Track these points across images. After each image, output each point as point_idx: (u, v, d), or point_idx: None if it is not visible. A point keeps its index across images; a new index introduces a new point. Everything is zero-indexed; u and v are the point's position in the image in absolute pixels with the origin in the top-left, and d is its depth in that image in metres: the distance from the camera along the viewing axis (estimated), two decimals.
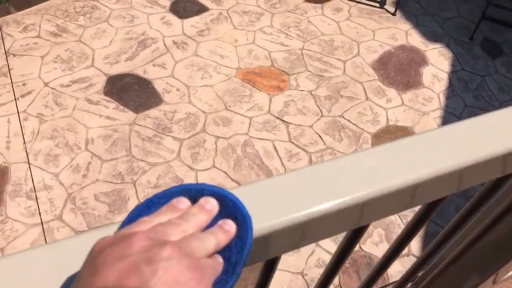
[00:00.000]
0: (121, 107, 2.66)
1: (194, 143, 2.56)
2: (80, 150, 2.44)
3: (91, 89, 2.71)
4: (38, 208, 2.22)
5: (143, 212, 0.42)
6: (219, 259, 0.41)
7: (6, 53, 2.79)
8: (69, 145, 2.45)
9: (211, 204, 0.43)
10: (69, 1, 3.15)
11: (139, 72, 2.85)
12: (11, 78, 2.68)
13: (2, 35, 2.87)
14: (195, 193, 0.44)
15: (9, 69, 2.72)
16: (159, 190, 2.21)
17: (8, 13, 2.99)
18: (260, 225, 0.43)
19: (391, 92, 2.95)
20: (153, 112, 2.67)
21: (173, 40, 3.06)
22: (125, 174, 2.39)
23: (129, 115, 2.63)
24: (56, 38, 2.93)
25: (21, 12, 3.02)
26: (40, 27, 2.96)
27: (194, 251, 0.37)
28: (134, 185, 2.35)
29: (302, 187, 0.46)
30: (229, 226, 0.42)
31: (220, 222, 0.42)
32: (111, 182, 2.35)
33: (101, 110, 2.63)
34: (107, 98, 2.68)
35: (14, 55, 2.79)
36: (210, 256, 0.39)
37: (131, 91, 2.74)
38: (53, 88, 2.67)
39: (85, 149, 2.45)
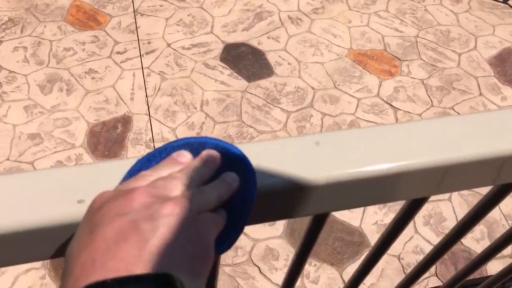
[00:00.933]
0: (235, 74, 2.77)
1: (300, 117, 2.62)
2: (196, 110, 2.59)
3: (209, 54, 2.84)
4: None
5: (144, 167, 0.40)
6: (222, 213, 0.40)
7: (134, 12, 2.99)
8: (186, 103, 2.61)
9: (213, 157, 0.41)
10: None
11: (254, 43, 2.94)
12: (137, 36, 2.87)
13: None
14: (197, 146, 0.42)
15: (136, 27, 2.92)
16: None
17: None
18: (316, 175, 0.42)
19: (507, 91, 2.84)
20: (264, 82, 2.75)
21: (288, 15, 3.12)
22: (235, 137, 2.51)
23: (242, 82, 2.74)
24: (180, 2, 3.09)
25: None
26: None
27: (196, 206, 0.36)
28: None
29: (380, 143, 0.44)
30: (232, 179, 0.40)
31: (223, 175, 0.40)
32: None
33: (216, 75, 2.75)
34: (222, 64, 2.81)
35: (142, 15, 2.98)
36: (213, 210, 0.39)
37: (245, 60, 2.85)
38: (174, 49, 2.84)
39: (200, 109, 2.59)
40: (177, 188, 0.37)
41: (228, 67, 2.80)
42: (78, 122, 2.47)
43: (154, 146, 2.43)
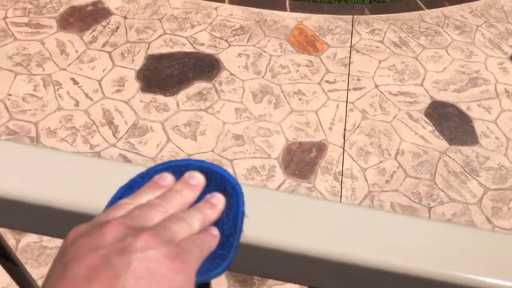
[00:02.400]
0: (437, 133, 2.68)
1: (499, 197, 2.44)
2: (389, 157, 2.56)
3: (414, 106, 2.80)
4: (341, 192, 2.41)
5: (125, 194, 0.39)
6: (214, 232, 0.38)
7: (351, 47, 3.07)
8: (381, 148, 2.59)
9: (196, 179, 0.39)
10: (417, 20, 3.29)
11: (463, 106, 2.83)
12: (349, 70, 2.94)
13: (352, 31, 3.16)
14: (180, 169, 0.40)
15: (349, 62, 2.99)
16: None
17: (362, 13, 3.28)
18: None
19: None
20: (466, 150, 2.63)
21: (505, 88, 2.95)
22: (424, 197, 2.42)
23: (442, 143, 2.64)
24: (395, 48, 3.11)
25: (373, 16, 3.28)
26: (385, 34, 3.17)
27: (175, 235, 0.34)
28: (429, 211, 2.37)
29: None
30: (217, 199, 0.39)
31: (207, 196, 0.39)
32: (409, 198, 2.41)
33: (418, 128, 2.70)
34: (426, 119, 2.74)
35: (357, 51, 3.05)
36: (201, 231, 0.37)
37: (450, 121, 2.75)
38: (381, 92, 2.85)
39: (394, 157, 2.56)
40: (155, 216, 0.35)
41: (431, 124, 2.72)
42: (278, 136, 2.60)
43: (341, 180, 2.45)
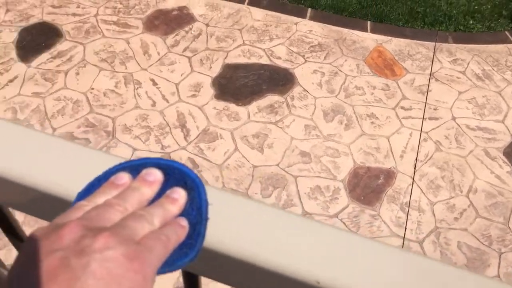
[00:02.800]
0: None
1: None
2: (461, 194, 2.45)
3: (493, 143, 2.66)
4: (406, 224, 2.33)
5: (83, 198, 0.38)
6: (182, 222, 0.38)
7: (430, 75, 2.98)
8: (453, 183, 2.49)
9: (153, 175, 0.39)
10: (504, 53, 3.14)
11: None
12: (426, 98, 2.85)
13: (433, 58, 3.07)
14: (138, 168, 0.40)
15: (428, 89, 2.90)
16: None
17: (446, 41, 3.17)
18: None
19: None
20: None
21: None
22: (495, 240, 2.29)
23: None
24: (478, 81, 2.98)
25: (456, 45, 3.16)
26: (468, 65, 3.05)
27: (135, 232, 0.33)
28: (499, 257, 2.24)
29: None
30: (177, 194, 0.39)
31: (167, 191, 0.39)
32: (478, 240, 2.29)
33: (494, 167, 2.56)
34: (504, 158, 2.60)
35: (436, 80, 2.95)
36: (170, 223, 0.37)
37: None
38: (458, 125, 2.74)
39: (465, 194, 2.44)
40: (114, 216, 0.35)
41: (509, 164, 2.58)
42: (346, 158, 2.56)
43: (408, 212, 2.37)
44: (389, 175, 2.51)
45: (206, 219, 0.39)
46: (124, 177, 0.39)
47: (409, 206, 2.39)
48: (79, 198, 0.38)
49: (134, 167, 0.40)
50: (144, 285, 0.31)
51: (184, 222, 0.38)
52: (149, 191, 0.39)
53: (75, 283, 0.29)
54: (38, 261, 0.30)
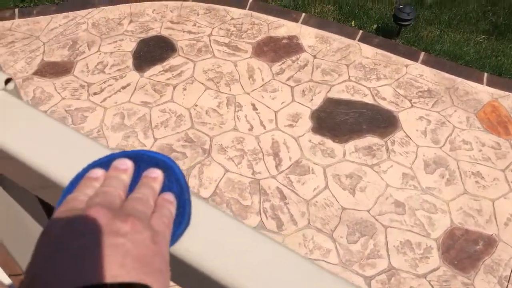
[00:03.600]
0: None
1: None
2: None
3: None
4: None
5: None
6: (170, 198, 0.40)
7: None
8: None
9: (124, 163, 0.41)
10: None
11: None
12: None
13: None
14: (108, 163, 0.42)
15: None
16: None
17: None
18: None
19: None
20: None
21: None
22: None
23: None
24: None
25: None
26: None
27: (147, 216, 0.37)
28: None
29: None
30: (154, 172, 0.41)
31: (144, 173, 0.41)
32: None
33: None
34: None
35: None
36: (161, 204, 0.39)
37: None
38: None
39: None
40: (114, 200, 0.37)
41: None
42: (443, 216, 2.39)
43: (507, 287, 2.15)
44: (489, 243, 2.30)
45: (188, 187, 0.42)
46: (98, 172, 0.41)
47: (509, 281, 2.17)
48: (62, 197, 0.40)
49: (104, 164, 0.42)
50: (166, 264, 0.35)
51: (171, 197, 0.41)
52: (126, 177, 0.41)
53: (114, 260, 0.31)
54: (74, 239, 0.32)
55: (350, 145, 2.68)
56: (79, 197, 0.38)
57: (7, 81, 0.50)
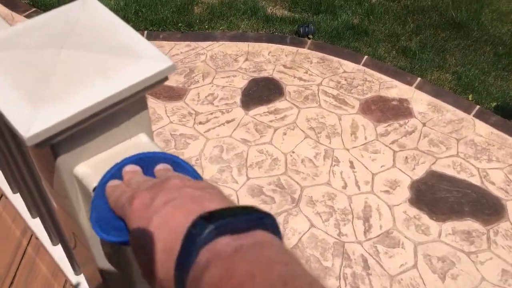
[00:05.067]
0: None
1: None
2: None
3: None
4: None
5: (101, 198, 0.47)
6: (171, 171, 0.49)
7: None
8: None
9: (131, 167, 0.48)
10: None
11: None
12: None
13: None
14: (118, 172, 0.48)
15: None
16: None
17: None
18: None
19: None
20: None
21: None
22: None
23: None
24: None
25: None
26: None
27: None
28: None
29: None
30: (162, 165, 0.49)
31: (155, 168, 0.48)
32: None
33: None
34: None
35: None
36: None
37: None
38: None
39: None
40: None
41: None
42: None
43: None
44: None
45: (191, 164, 0.50)
46: (115, 180, 0.48)
47: None
48: (97, 198, 0.47)
49: (117, 173, 0.48)
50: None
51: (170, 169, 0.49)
52: (141, 175, 0.48)
53: (208, 199, 0.40)
54: (178, 195, 0.40)
55: (448, 226, 2.50)
56: (122, 186, 0.46)
57: None
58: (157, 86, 0.46)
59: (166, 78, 0.46)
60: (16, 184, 1.28)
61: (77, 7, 0.50)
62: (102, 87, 0.43)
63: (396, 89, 3.25)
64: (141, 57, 0.46)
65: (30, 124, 0.40)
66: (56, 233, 1.18)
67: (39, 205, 1.11)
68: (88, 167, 0.48)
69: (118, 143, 0.50)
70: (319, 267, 2.33)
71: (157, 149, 0.51)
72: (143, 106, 0.50)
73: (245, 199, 2.59)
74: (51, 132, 0.40)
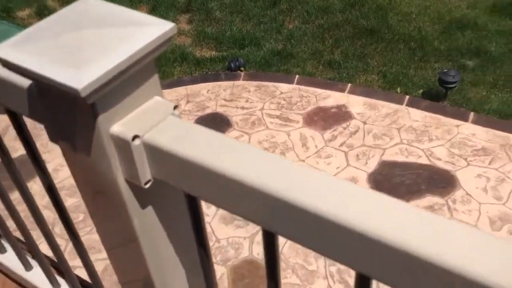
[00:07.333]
0: None
1: None
2: None
3: None
4: None
5: None
6: None
7: None
8: None
9: None
10: None
11: None
12: None
13: None
14: None
15: None
16: None
17: None
18: None
19: None
20: None
21: None
22: None
23: None
24: None
25: None
26: None
27: None
28: None
29: None
30: None
31: None
32: None
33: None
34: None
35: None
36: None
37: None
38: None
39: None
40: None
41: None
42: None
43: None
44: None
45: None
46: None
47: None
48: None
49: None
50: None
51: None
52: None
53: None
54: None
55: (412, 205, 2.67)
56: None
57: (175, 107, 0.61)
58: (166, 45, 0.56)
59: (171, 38, 0.57)
60: None
61: (82, 2, 0.60)
62: (125, 49, 0.53)
63: (331, 98, 3.47)
64: (148, 25, 0.56)
65: (79, 79, 0.48)
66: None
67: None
68: (121, 126, 0.56)
69: (140, 105, 0.59)
70: (306, 272, 2.40)
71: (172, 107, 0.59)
72: (154, 70, 0.59)
73: (219, 228, 2.64)
74: (97, 84, 0.49)
